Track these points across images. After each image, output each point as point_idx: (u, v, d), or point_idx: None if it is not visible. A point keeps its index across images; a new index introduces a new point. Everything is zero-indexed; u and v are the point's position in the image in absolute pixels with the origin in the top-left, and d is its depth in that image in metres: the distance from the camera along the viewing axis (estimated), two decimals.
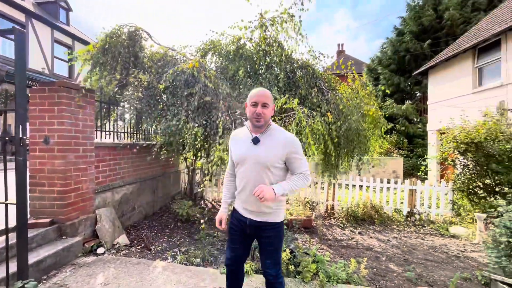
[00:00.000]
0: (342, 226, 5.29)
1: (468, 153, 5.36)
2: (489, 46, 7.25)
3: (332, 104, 4.32)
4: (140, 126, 5.18)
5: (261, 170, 1.69)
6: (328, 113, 4.00)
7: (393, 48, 13.95)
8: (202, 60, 4.69)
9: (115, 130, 4.67)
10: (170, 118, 4.12)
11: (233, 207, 1.96)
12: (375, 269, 3.43)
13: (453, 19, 12.18)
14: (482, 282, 3.16)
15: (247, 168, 1.73)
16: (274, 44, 5.12)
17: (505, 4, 8.99)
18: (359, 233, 4.97)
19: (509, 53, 6.54)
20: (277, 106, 3.88)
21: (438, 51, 11.84)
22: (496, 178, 5.05)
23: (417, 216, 5.75)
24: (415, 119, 12.78)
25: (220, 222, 1.95)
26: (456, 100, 8.14)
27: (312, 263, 2.98)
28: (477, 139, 5.19)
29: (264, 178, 1.69)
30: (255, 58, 5.05)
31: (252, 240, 1.94)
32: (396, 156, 11.88)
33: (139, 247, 3.77)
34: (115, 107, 4.72)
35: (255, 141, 1.71)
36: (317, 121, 3.68)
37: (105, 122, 4.58)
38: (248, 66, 5.15)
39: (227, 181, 2.01)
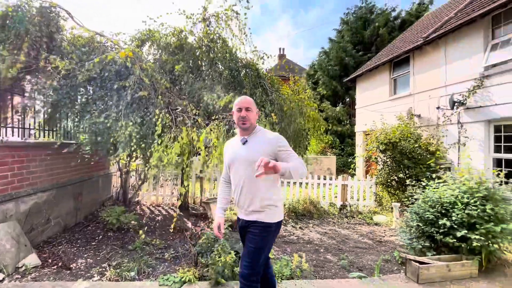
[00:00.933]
0: (284, 222, 5.49)
1: (387, 151, 6.22)
2: (401, 61, 8.60)
3: (276, 105, 4.42)
4: (58, 122, 4.37)
5: (250, 166, 1.74)
6: (273, 114, 4.07)
7: (331, 55, 15.40)
8: (137, 50, 4.22)
9: (23, 126, 3.82)
10: (97, 115, 3.57)
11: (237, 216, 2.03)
12: (315, 261, 3.64)
13: (383, 37, 14.20)
14: (399, 262, 3.66)
15: (238, 168, 1.84)
16: (218, 41, 4.98)
17: (413, 27, 10.83)
18: (300, 228, 5.24)
19: (415, 68, 7.89)
20: (221, 105, 3.76)
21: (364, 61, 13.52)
22: (407, 172, 5.99)
23: (349, 208, 6.39)
24: (345, 121, 14.32)
25: (219, 228, 1.95)
26: (377, 106, 9.40)
27: None
28: (394, 139, 6.07)
29: (252, 173, 1.68)
30: (198, 53, 4.82)
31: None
32: (330, 155, 13.09)
33: (55, 267, 3.15)
34: (23, 98, 3.86)
35: (243, 141, 1.87)
36: (262, 121, 3.70)
37: (8, 116, 3.71)
38: (191, 61, 4.88)
39: (222, 187, 2.10)
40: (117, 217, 4.35)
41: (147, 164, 3.63)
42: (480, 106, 5.88)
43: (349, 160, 12.47)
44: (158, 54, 4.97)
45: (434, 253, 3.42)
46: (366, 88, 10.50)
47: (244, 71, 5.01)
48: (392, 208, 6.06)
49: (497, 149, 5.70)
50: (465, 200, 3.31)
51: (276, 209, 1.83)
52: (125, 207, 5.15)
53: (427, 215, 3.51)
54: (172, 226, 3.99)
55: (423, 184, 4.09)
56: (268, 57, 5.34)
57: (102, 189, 5.78)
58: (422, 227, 3.54)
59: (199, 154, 3.75)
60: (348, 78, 11.71)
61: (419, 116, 7.44)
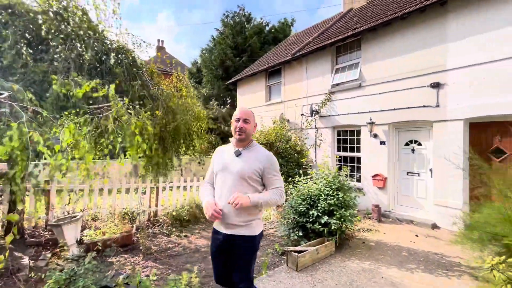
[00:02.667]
0: (168, 232, 4.94)
1: None
2: (275, 72, 9.84)
3: (160, 101, 3.84)
4: None
5: (238, 179, 1.82)
6: (157, 111, 3.49)
7: (214, 55, 15.53)
8: None
9: None
10: None
11: (213, 227, 1.98)
12: (204, 271, 3.40)
13: (254, 47, 15.57)
14: (280, 253, 4.03)
15: (227, 177, 1.86)
16: (76, 11, 3.80)
17: (282, 44, 12.63)
18: (186, 236, 4.85)
19: (286, 79, 9.23)
20: (80, 96, 2.82)
21: (242, 67, 14.53)
22: (280, 170, 6.83)
23: None
24: (229, 122, 14.94)
25: (212, 215, 1.78)
26: (256, 109, 10.33)
27: None
28: (271, 140, 6.77)
29: (240, 187, 1.81)
30: (42, 21, 3.48)
31: (229, 255, 1.89)
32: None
33: None
34: None
35: (237, 153, 1.90)
36: (143, 117, 3.08)
37: None
38: (30, 30, 3.46)
39: (206, 187, 2.03)
40: None
41: None
42: (329, 115, 7.54)
43: None
44: None
45: (306, 240, 3.97)
46: (247, 92, 11.30)
47: (115, 57, 4.06)
48: None
49: (339, 149, 7.50)
50: (326, 192, 4.05)
51: (258, 221, 1.91)
52: None
53: (300, 208, 4.05)
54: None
55: (296, 180, 4.71)
56: (147, 46, 4.61)
57: None
58: (297, 218, 4.05)
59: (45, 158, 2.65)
60: (230, 81, 12.22)
61: (288, 120, 8.71)
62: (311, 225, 3.92)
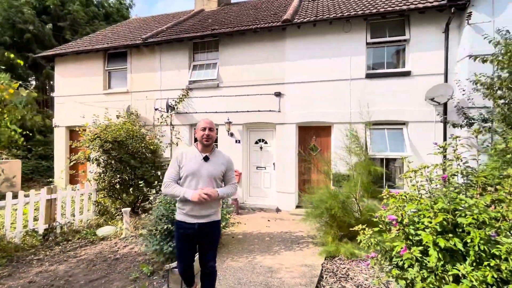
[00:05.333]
0: None
1: (112, 151, 5.44)
2: (118, 55, 8.07)
3: None
4: None
5: (210, 180, 2.30)
6: None
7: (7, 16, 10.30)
8: None
9: None
10: None
11: (176, 222, 2.33)
12: None
13: (77, 16, 11.97)
14: (148, 274, 3.30)
15: (199, 181, 2.27)
16: None
17: (125, 24, 10.70)
18: None
19: (133, 67, 7.82)
20: None
21: (61, 39, 10.86)
22: (134, 172, 5.69)
23: (59, 230, 4.68)
24: (36, 112, 10.57)
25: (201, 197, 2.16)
26: (89, 98, 8.01)
27: None
28: (120, 138, 5.47)
29: (210, 186, 2.28)
30: None
31: (197, 243, 2.36)
32: (8, 158, 8.90)
33: None
34: None
35: (206, 159, 2.33)
36: None
37: None
38: None
39: (173, 184, 2.28)
40: None
41: None
42: (186, 112, 7.23)
43: (42, 164, 9.37)
44: None
45: None
46: (73, 74, 8.52)
47: None
48: (119, 215, 5.43)
49: None
50: None
51: (220, 210, 2.45)
52: None
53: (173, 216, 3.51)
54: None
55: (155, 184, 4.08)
56: None
57: None
58: (172, 227, 3.48)
59: None
60: (44, 53, 8.73)
61: (138, 115, 7.46)
62: None
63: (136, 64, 7.82)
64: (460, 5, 5.08)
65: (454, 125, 5.00)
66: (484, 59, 4.07)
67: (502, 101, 4.12)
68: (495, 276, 1.46)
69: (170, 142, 7.17)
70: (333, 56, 6.14)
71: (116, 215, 5.58)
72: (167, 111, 7.10)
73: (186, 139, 7.21)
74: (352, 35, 6.02)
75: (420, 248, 1.75)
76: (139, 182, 4.91)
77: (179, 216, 2.30)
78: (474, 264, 1.56)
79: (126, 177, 5.62)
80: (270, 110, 6.55)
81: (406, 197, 2.07)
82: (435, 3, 5.29)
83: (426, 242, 1.70)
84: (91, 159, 5.59)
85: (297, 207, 6.29)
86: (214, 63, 7.17)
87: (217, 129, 7.03)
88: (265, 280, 3.08)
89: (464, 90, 4.87)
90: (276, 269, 3.37)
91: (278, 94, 6.47)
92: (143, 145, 5.80)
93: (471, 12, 4.99)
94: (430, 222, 1.74)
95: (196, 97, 7.18)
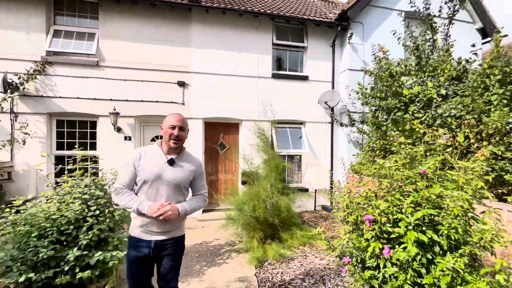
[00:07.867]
0: None
1: None
2: None
3: None
4: None
5: (174, 189, 1.81)
6: None
7: None
8: None
9: None
10: None
11: (129, 237, 1.83)
12: None
13: None
14: None
15: (160, 187, 1.78)
16: None
17: None
18: None
19: None
20: None
21: None
22: None
23: None
24: None
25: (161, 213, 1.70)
26: None
27: None
28: None
29: (175, 196, 1.82)
30: None
31: (154, 262, 1.88)
32: None
33: None
34: None
35: (171, 162, 1.82)
36: None
37: None
38: None
39: (129, 193, 1.80)
40: None
41: None
42: (42, 96, 5.00)
43: None
44: None
45: None
46: None
47: None
48: None
49: (61, 146, 5.25)
50: (85, 212, 2.53)
51: (184, 223, 1.96)
52: None
53: (40, 254, 2.14)
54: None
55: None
56: None
57: None
58: (31, 275, 2.09)
59: None
60: None
61: None
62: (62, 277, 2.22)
63: None
64: (344, 25, 6.08)
65: (341, 124, 5.93)
66: (364, 71, 5.18)
67: (373, 108, 5.20)
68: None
69: (11, 139, 4.74)
70: (243, 51, 5.92)
71: None
72: (5, 92, 4.64)
73: (42, 135, 4.98)
74: (261, 34, 6.02)
75: (402, 246, 1.68)
76: None
77: (133, 231, 1.82)
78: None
79: None
80: (172, 102, 5.54)
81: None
82: (327, 20, 6.09)
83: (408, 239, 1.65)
84: None
85: (204, 211, 5.65)
86: (91, 33, 5.33)
87: (94, 122, 5.32)
88: None
89: (350, 96, 5.86)
90: None
91: (182, 84, 5.57)
92: None
93: (352, 33, 6.07)
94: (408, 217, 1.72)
95: (61, 75, 5.09)
